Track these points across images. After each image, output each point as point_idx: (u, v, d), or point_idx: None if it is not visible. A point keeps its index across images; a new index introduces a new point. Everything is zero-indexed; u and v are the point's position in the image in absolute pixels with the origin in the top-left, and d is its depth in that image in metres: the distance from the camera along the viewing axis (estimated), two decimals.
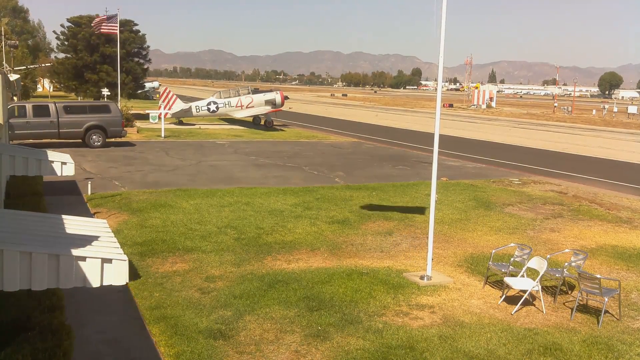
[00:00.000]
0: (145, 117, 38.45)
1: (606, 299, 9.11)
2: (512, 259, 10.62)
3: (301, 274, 10.67)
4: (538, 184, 21.55)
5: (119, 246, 5.58)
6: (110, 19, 39.06)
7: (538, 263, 9.91)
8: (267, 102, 42.81)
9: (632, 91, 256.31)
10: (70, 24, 45.39)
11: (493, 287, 10.52)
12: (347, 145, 33.24)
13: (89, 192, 16.86)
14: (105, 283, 5.05)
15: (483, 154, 30.41)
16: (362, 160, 26.77)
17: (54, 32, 58.24)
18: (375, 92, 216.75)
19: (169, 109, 37.41)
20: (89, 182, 17.48)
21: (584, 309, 9.62)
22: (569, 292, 10.47)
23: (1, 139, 12.10)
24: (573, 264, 10.40)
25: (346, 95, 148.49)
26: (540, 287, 9.68)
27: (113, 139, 28.51)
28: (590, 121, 66.06)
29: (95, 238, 5.81)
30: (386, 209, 16.08)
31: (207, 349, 7.68)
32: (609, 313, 9.48)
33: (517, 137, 41.80)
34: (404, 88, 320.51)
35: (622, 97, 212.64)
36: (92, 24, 39.62)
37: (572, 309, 9.49)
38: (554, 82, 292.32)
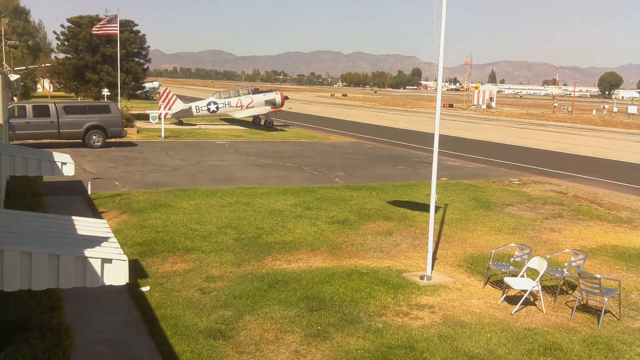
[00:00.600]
0: (145, 117, 38.46)
1: (606, 299, 9.11)
2: (512, 259, 10.62)
3: (301, 274, 10.67)
4: (538, 184, 21.55)
5: (119, 246, 5.58)
6: (110, 21, 39.09)
7: (538, 263, 9.92)
8: (267, 102, 42.83)
9: (632, 91, 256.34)
10: (70, 24, 45.38)
11: (493, 287, 10.52)
12: (347, 145, 33.25)
13: (89, 192, 16.87)
14: (105, 283, 5.05)
15: (483, 154, 30.41)
16: (362, 160, 26.77)
17: (54, 32, 58.18)
18: (375, 92, 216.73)
19: (169, 109, 37.43)
20: (89, 182, 17.49)
21: (584, 309, 9.62)
22: (570, 292, 10.47)
23: (1, 139, 12.09)
24: (573, 264, 10.40)
25: (346, 95, 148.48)
26: (540, 287, 9.68)
27: (113, 139, 28.52)
28: (590, 121, 66.06)
29: (95, 238, 5.81)
30: (387, 209, 16.08)
31: (207, 349, 7.68)
32: (610, 313, 9.48)
33: (517, 137, 41.80)
34: (404, 88, 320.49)
35: (622, 97, 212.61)
36: (93, 30, 39.65)
37: (572, 309, 9.49)
38: (554, 82, 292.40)
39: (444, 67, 10.82)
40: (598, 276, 9.21)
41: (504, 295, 9.93)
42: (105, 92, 39.13)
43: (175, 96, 39.91)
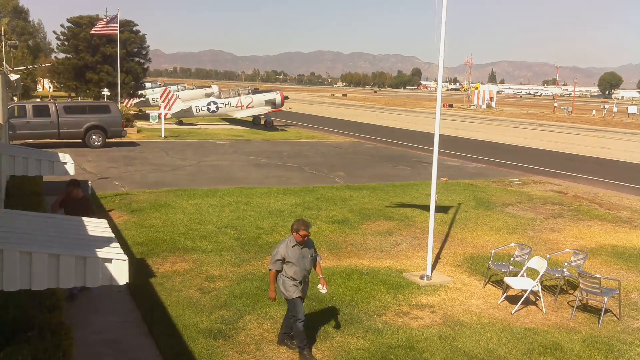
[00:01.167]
0: (145, 117, 38.51)
1: (606, 299, 9.11)
2: (512, 259, 10.62)
3: None
4: (538, 184, 21.55)
5: (119, 246, 5.58)
6: (110, 21, 39.07)
7: (538, 263, 9.92)
8: (267, 102, 42.84)
9: (632, 91, 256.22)
10: (70, 24, 45.32)
11: (493, 287, 10.52)
12: (347, 145, 33.24)
13: (89, 192, 16.85)
14: (105, 283, 5.04)
15: (483, 154, 30.41)
16: (362, 160, 26.77)
17: (54, 32, 58.10)
18: (375, 92, 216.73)
19: (169, 109, 37.45)
20: (89, 182, 17.47)
21: (584, 308, 9.62)
22: (571, 291, 10.46)
23: (1, 139, 12.08)
24: (573, 263, 10.40)
25: (346, 95, 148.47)
26: (540, 287, 9.68)
27: (113, 139, 28.52)
28: (590, 121, 66.06)
29: (95, 238, 5.81)
30: (387, 209, 16.08)
31: (207, 349, 7.68)
32: (611, 312, 9.48)
33: (517, 137, 41.80)
34: (404, 88, 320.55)
35: (622, 97, 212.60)
36: (92, 31, 39.66)
37: (572, 309, 9.49)
38: (554, 82, 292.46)
39: (444, 67, 10.82)
40: (598, 276, 9.21)
41: (504, 295, 9.93)
42: (106, 92, 39.12)
43: (175, 96, 39.92)
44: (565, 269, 10.38)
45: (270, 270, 7.54)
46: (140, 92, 49.03)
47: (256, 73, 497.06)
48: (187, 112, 40.67)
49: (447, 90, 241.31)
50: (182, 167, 22.88)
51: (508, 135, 43.33)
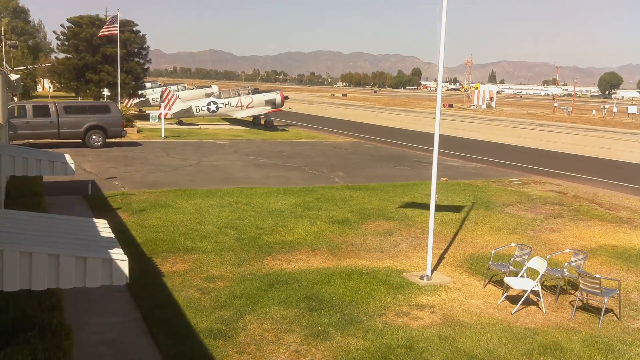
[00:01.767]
0: (145, 117, 38.51)
1: (606, 299, 9.11)
2: (512, 259, 10.62)
3: (301, 274, 10.67)
4: (538, 184, 21.55)
5: (119, 246, 5.58)
6: (112, 22, 39.10)
7: (538, 263, 9.92)
8: (267, 102, 42.84)
9: (632, 91, 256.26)
10: (70, 24, 45.32)
11: (493, 287, 10.52)
12: (347, 145, 33.25)
13: (89, 192, 16.86)
14: (105, 283, 5.04)
15: (483, 154, 30.41)
16: (362, 160, 26.77)
17: (54, 32, 58.08)
18: (376, 92, 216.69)
19: (169, 109, 37.46)
20: (89, 183, 17.48)
21: (584, 309, 9.62)
22: (572, 291, 10.46)
23: (1, 139, 12.09)
24: (573, 264, 10.40)
25: (346, 95, 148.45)
26: (540, 287, 9.68)
27: (113, 139, 28.52)
28: (590, 121, 66.06)
29: (95, 238, 5.81)
30: (387, 209, 16.08)
31: (207, 349, 7.68)
32: (611, 312, 9.48)
33: (517, 137, 41.80)
34: (404, 88, 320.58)
35: (622, 97, 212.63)
36: (99, 34, 39.83)
37: (572, 309, 9.49)
38: (554, 82, 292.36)
39: (444, 67, 10.82)
40: (598, 276, 9.21)
41: (504, 295, 9.93)
42: (106, 92, 39.14)
43: (175, 96, 39.93)
44: (565, 269, 10.38)
45: None
46: (140, 92, 49.06)
47: (256, 73, 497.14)
48: (187, 112, 40.67)
49: (447, 90, 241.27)
50: (182, 167, 22.88)
51: (508, 135, 43.33)
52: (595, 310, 9.47)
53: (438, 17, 10.27)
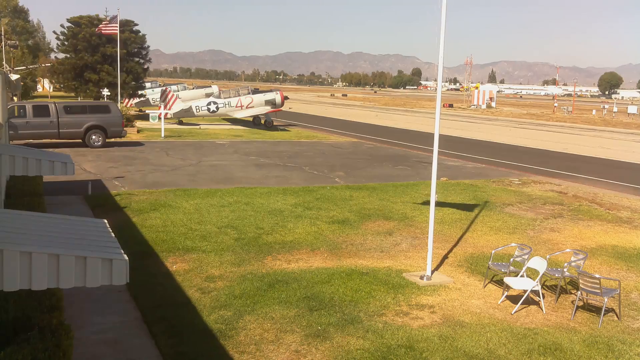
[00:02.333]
0: (145, 117, 38.52)
1: (606, 299, 9.11)
2: (512, 259, 10.62)
3: (301, 274, 10.67)
4: (538, 184, 21.55)
5: (119, 246, 5.58)
6: (111, 21, 39.10)
7: (538, 263, 9.91)
8: (267, 102, 42.84)
9: (632, 91, 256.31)
10: (70, 24, 45.30)
11: (493, 287, 10.52)
12: (347, 145, 33.25)
13: (89, 192, 16.86)
14: (105, 283, 5.04)
15: (483, 154, 30.41)
16: (362, 160, 26.77)
17: (54, 32, 58.08)
18: (376, 92, 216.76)
19: (169, 109, 37.46)
20: (89, 183, 17.47)
21: (584, 308, 9.62)
22: (573, 291, 10.46)
23: (1, 139, 12.09)
24: (573, 263, 10.40)
25: (346, 95, 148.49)
26: (540, 287, 9.68)
27: (113, 139, 28.52)
28: (590, 121, 66.06)
29: (95, 238, 5.80)
30: (387, 209, 16.08)
31: (207, 349, 7.68)
32: (611, 312, 9.48)
33: (517, 137, 41.80)
34: (404, 88, 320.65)
35: (622, 97, 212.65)
36: (97, 30, 39.84)
37: (572, 309, 9.49)
38: (554, 82, 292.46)
39: (444, 67, 10.82)
40: (598, 276, 9.21)
41: (504, 295, 9.93)
42: (106, 92, 39.15)
43: (175, 96, 39.93)
44: (565, 269, 10.38)
45: None
46: (140, 92, 49.06)
47: (256, 73, 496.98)
48: (187, 112, 40.67)
49: (447, 90, 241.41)
50: (182, 167, 22.88)
51: (508, 135, 43.33)
52: (596, 310, 9.47)
53: (438, 17, 10.27)
